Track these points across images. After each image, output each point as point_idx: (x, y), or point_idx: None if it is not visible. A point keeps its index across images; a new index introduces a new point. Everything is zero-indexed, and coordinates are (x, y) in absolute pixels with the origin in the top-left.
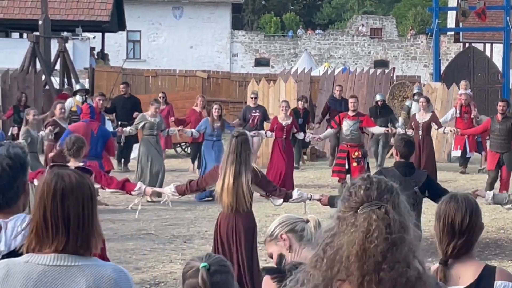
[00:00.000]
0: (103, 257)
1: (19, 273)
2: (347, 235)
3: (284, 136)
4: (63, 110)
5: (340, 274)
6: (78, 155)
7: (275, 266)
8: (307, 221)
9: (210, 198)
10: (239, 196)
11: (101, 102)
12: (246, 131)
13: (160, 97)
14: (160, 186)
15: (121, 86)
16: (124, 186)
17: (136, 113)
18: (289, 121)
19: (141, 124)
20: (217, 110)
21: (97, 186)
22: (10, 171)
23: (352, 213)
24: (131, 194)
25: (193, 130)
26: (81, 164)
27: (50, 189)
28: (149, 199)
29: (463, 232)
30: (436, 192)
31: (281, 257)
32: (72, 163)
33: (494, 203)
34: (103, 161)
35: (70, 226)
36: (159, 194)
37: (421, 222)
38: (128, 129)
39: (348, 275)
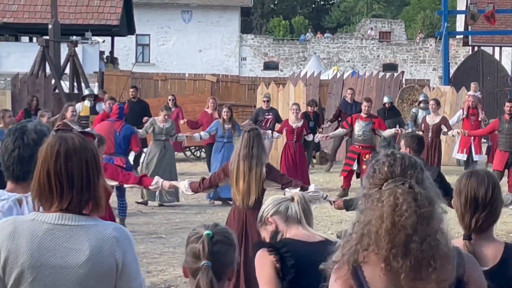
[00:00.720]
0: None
1: (25, 230)
2: (374, 211)
3: (295, 139)
4: (74, 113)
5: (370, 247)
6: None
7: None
8: (292, 199)
9: (220, 202)
10: (251, 191)
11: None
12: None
13: (169, 100)
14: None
15: (131, 90)
16: (142, 181)
17: (145, 118)
18: (300, 124)
19: (151, 129)
20: (226, 113)
21: (115, 183)
22: (34, 145)
23: (377, 190)
24: (148, 189)
25: (201, 133)
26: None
27: (53, 150)
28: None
29: (486, 204)
30: (445, 190)
31: (275, 233)
32: None
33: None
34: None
35: (74, 186)
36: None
37: None
38: (140, 131)
39: (378, 248)
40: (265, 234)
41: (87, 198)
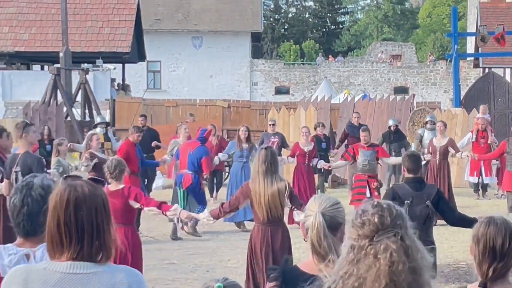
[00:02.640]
0: None
1: (37, 280)
2: (369, 267)
3: (306, 162)
4: (99, 141)
5: None
6: (120, 178)
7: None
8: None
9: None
10: (272, 207)
11: (139, 138)
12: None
13: (187, 125)
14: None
15: (140, 119)
16: (161, 207)
17: (154, 142)
18: (311, 147)
19: (175, 150)
20: (244, 132)
21: (136, 205)
22: (41, 200)
23: (368, 241)
24: (166, 215)
25: (219, 154)
26: (121, 186)
27: (63, 199)
28: (186, 230)
29: (504, 255)
30: (444, 207)
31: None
32: (113, 186)
33: None
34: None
35: (84, 234)
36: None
37: (433, 237)
38: (166, 157)
39: None
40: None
41: (97, 245)
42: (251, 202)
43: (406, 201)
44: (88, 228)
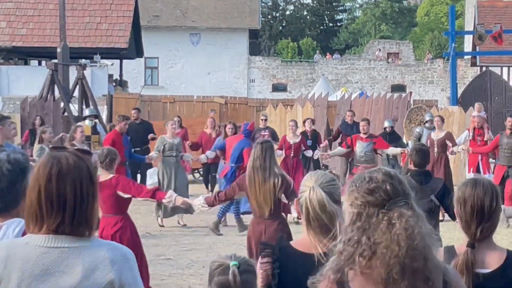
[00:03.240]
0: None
1: (18, 255)
2: (384, 233)
3: (292, 154)
4: (83, 133)
5: (365, 266)
6: (110, 167)
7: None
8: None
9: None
10: (267, 201)
11: (126, 126)
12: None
13: (175, 121)
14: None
15: (132, 112)
16: (155, 195)
17: (151, 134)
18: (297, 140)
19: (162, 147)
20: (230, 129)
21: (127, 195)
22: (10, 175)
23: (378, 209)
24: (161, 202)
25: (207, 152)
26: (110, 176)
27: (45, 171)
28: (180, 222)
29: (490, 214)
30: (449, 202)
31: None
32: (103, 176)
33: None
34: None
35: (66, 206)
36: (187, 210)
37: (439, 232)
38: (153, 154)
39: (383, 267)
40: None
41: (79, 218)
42: (247, 196)
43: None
44: (70, 200)
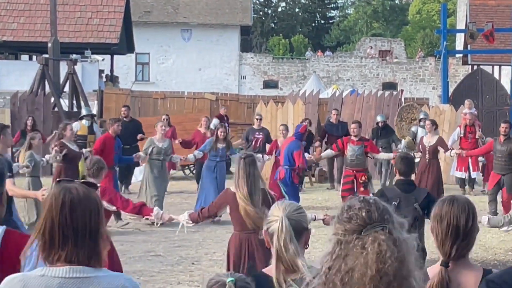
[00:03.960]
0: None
1: (36, 286)
2: (357, 258)
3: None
4: (72, 132)
5: None
6: (97, 175)
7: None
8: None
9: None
10: (249, 217)
11: (119, 128)
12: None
13: (163, 119)
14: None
15: (122, 109)
16: (141, 211)
17: (140, 135)
18: None
19: (150, 149)
20: (222, 133)
21: (112, 208)
22: None
23: (356, 236)
24: (147, 219)
25: (195, 152)
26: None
27: (58, 201)
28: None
29: (466, 233)
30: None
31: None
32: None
33: (490, 226)
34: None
35: (79, 237)
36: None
37: (425, 243)
38: (141, 154)
39: None
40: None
41: (92, 249)
42: (229, 209)
43: (393, 203)
44: (83, 231)
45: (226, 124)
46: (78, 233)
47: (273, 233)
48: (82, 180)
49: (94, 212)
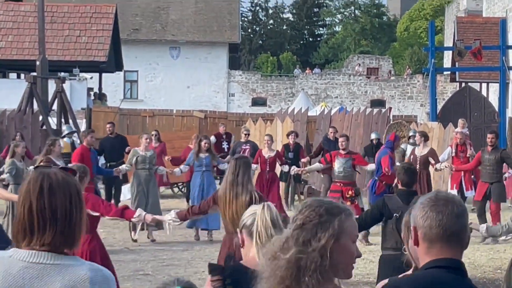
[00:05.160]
0: None
1: (1, 267)
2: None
3: (267, 169)
4: (61, 148)
5: None
6: (80, 182)
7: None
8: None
9: (206, 238)
10: (237, 217)
11: (93, 139)
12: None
13: (153, 135)
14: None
15: (107, 126)
16: (124, 214)
17: (128, 147)
18: (272, 154)
19: (134, 159)
20: (206, 144)
21: (96, 214)
22: None
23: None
24: (130, 221)
25: (181, 166)
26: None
27: (36, 185)
28: (149, 237)
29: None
30: None
31: (228, 257)
32: None
33: (488, 235)
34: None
35: (58, 221)
36: (158, 225)
37: None
38: (123, 167)
39: None
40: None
41: (69, 234)
42: (220, 210)
43: (395, 214)
44: (62, 215)
45: (226, 143)
46: (56, 217)
47: (251, 226)
48: (61, 167)
49: (74, 196)
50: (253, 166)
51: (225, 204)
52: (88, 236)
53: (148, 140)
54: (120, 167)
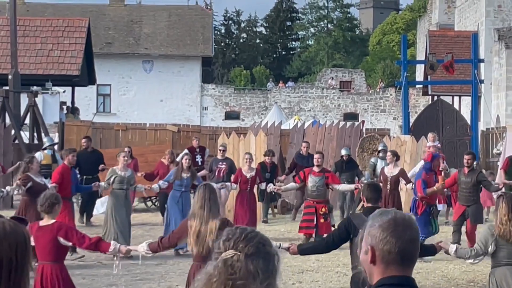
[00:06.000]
0: None
1: None
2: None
3: (248, 188)
4: (38, 165)
5: None
6: (51, 211)
7: None
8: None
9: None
10: (207, 244)
11: (74, 158)
12: (213, 184)
13: (125, 151)
14: (128, 241)
15: (83, 140)
16: (98, 246)
17: (102, 165)
18: (253, 173)
19: (112, 179)
20: (187, 160)
21: (68, 244)
22: None
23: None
24: (105, 253)
25: (159, 182)
26: (51, 221)
27: None
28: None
29: None
30: None
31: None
32: (45, 221)
33: (457, 256)
34: (66, 220)
35: (2, 272)
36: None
37: None
38: (103, 184)
39: None
40: None
41: (15, 285)
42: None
43: (360, 230)
44: (6, 266)
45: (199, 157)
46: (1, 268)
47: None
48: (12, 216)
49: (20, 247)
50: (233, 185)
51: (194, 231)
52: (55, 266)
53: (126, 158)
54: (99, 183)
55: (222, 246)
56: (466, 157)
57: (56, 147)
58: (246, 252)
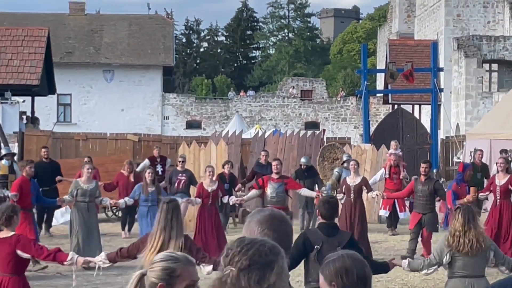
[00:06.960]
0: None
1: None
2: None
3: (210, 202)
4: None
5: None
6: (9, 224)
7: None
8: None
9: None
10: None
11: (32, 170)
12: (178, 198)
13: (86, 161)
14: (95, 253)
15: (43, 150)
16: (56, 257)
17: (58, 177)
18: (215, 187)
19: (75, 191)
20: (150, 174)
21: (27, 256)
22: None
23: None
24: (63, 264)
25: (125, 198)
26: (10, 234)
27: None
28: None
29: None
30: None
31: None
32: (3, 233)
33: (410, 270)
34: (26, 230)
35: None
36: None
37: None
38: (66, 197)
39: None
40: None
41: None
42: (145, 253)
43: (316, 246)
44: None
45: (160, 166)
46: None
47: None
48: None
49: None
50: (197, 200)
51: (156, 248)
52: (15, 279)
53: (89, 170)
54: (63, 197)
55: (222, 263)
56: (422, 165)
57: (15, 157)
58: (239, 266)
